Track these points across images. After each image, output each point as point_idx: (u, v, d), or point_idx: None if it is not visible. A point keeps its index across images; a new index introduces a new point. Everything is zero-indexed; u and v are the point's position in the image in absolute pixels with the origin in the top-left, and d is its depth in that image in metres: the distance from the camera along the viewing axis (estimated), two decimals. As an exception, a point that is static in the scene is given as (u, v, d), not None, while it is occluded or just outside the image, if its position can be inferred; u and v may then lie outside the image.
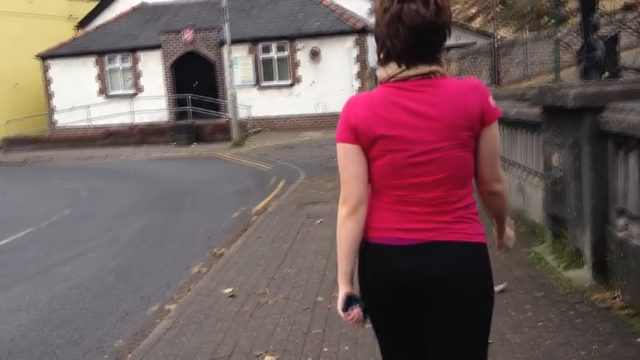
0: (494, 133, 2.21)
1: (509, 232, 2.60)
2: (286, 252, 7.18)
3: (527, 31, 31.59)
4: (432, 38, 2.14)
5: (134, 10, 28.95)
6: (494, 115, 2.19)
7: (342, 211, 2.23)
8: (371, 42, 25.15)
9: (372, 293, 2.28)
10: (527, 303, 4.94)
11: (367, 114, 2.17)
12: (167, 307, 5.82)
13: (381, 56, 2.21)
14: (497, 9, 30.65)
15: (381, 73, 2.21)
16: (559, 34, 14.02)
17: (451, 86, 2.18)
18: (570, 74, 24.29)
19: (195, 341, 4.66)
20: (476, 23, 35.96)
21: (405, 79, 2.16)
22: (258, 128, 24.82)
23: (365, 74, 24.36)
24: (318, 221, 8.64)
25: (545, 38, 26.74)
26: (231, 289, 5.85)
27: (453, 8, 37.55)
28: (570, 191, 5.47)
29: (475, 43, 30.16)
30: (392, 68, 2.18)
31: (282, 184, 13.20)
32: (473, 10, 39.10)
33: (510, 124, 8.03)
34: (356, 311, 2.28)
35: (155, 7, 28.64)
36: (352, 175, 2.21)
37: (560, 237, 5.84)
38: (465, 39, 30.85)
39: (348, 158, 2.21)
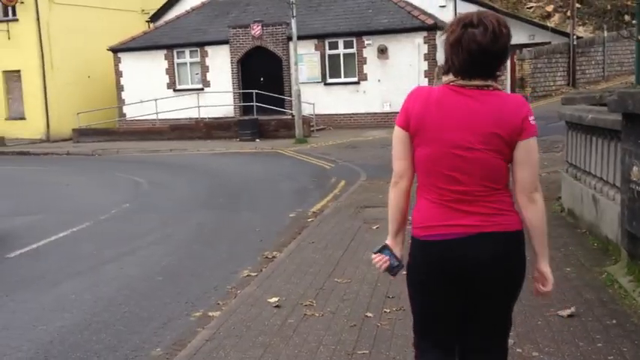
0: (530, 146, 2.51)
1: (547, 271, 2.74)
2: (338, 259, 6.86)
3: (607, 31, 30.27)
4: (487, 61, 2.50)
5: (204, 4, 29.18)
6: (530, 132, 2.50)
7: (392, 180, 2.67)
8: (441, 38, 24.49)
9: (419, 277, 2.65)
10: (597, 332, 4.47)
11: (422, 107, 2.54)
12: (211, 313, 5.58)
13: (445, 68, 2.60)
14: (576, 6, 29.44)
15: (444, 78, 2.60)
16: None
17: (499, 99, 2.51)
18: (652, 77, 22.82)
19: (233, 357, 4.39)
20: (552, 21, 34.68)
21: (462, 86, 2.53)
22: (322, 126, 24.57)
23: (434, 72, 23.75)
24: (375, 227, 8.28)
25: (626, 38, 25.48)
26: (277, 299, 5.57)
27: (529, 5, 36.34)
28: (651, 209, 4.94)
29: (550, 42, 29.06)
30: (451, 77, 2.56)
31: (342, 184, 12.88)
32: (549, 8, 37.76)
33: (586, 129, 7.47)
34: (381, 258, 2.71)
35: (225, 2, 28.77)
36: (398, 154, 2.63)
37: (637, 258, 5.31)
38: (540, 37, 29.73)
39: (398, 140, 2.62)
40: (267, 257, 7.50)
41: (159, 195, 12.98)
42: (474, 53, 2.47)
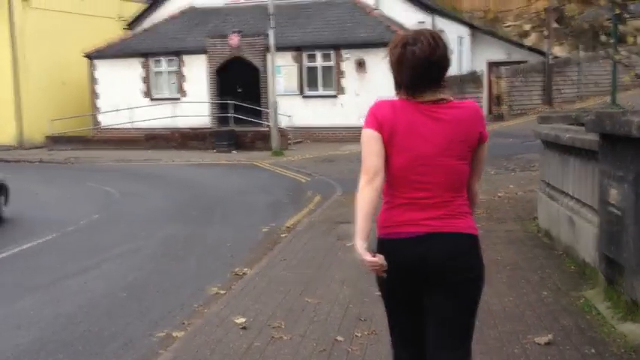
0: (486, 147, 2.82)
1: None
2: (310, 278, 6.66)
3: (583, 50, 30.58)
4: (431, 73, 2.69)
5: (182, 13, 28.86)
6: (486, 136, 2.79)
7: (363, 179, 2.70)
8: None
9: (391, 278, 2.71)
10: (574, 362, 4.33)
11: (392, 115, 2.71)
12: (175, 334, 5.35)
13: (399, 89, 2.77)
14: (553, 26, 29.70)
15: (397, 97, 2.79)
16: (619, 54, 13.22)
17: (456, 110, 2.73)
18: (628, 97, 23.20)
19: (195, 382, 4.18)
20: (529, 40, 34.98)
21: (424, 102, 2.71)
22: (300, 139, 24.38)
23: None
24: (349, 244, 8.07)
25: (602, 58, 25.76)
26: (244, 320, 5.35)
27: (507, 24, 36.66)
28: (629, 234, 4.82)
29: (527, 61, 29.27)
30: (403, 95, 2.75)
31: (317, 199, 12.70)
32: (527, 27, 38.15)
33: (562, 149, 7.38)
34: (375, 261, 2.63)
35: (204, 11, 28.49)
36: (371, 152, 2.70)
37: (615, 283, 5.18)
38: (517, 56, 29.96)
39: (371, 140, 2.70)
40: (237, 274, 7.27)
41: (130, 206, 12.69)
42: (417, 68, 2.68)
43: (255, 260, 7.80)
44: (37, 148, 26.29)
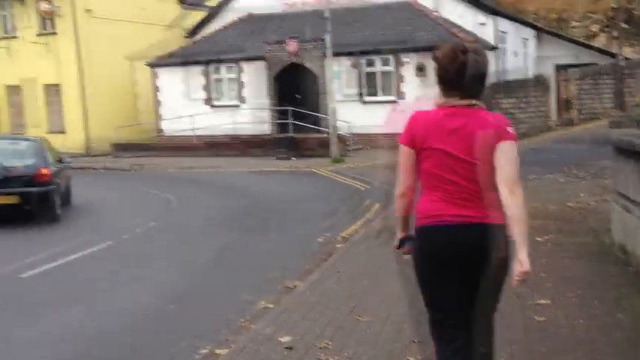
0: (507, 147, 3.02)
1: (523, 257, 2.99)
2: (364, 293, 6.33)
3: (657, 51, 29.24)
4: (482, 77, 3.10)
5: (241, 20, 28.98)
6: (507, 137, 3.04)
7: (397, 191, 3.22)
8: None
9: (427, 264, 3.17)
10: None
11: (424, 127, 3.10)
12: (218, 351, 5.09)
13: (442, 90, 3.13)
14: (622, 26, 28.44)
15: (439, 100, 3.14)
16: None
17: (484, 116, 3.08)
18: None
19: (234, 408, 3.91)
20: (597, 41, 33.66)
21: (455, 106, 3.08)
22: (360, 145, 24.05)
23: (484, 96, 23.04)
24: (407, 257, 7.70)
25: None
26: (290, 338, 5.06)
27: (573, 25, 35.40)
28: None
29: (596, 63, 28.13)
30: (449, 99, 3.11)
31: (376, 207, 12.33)
32: (594, 28, 36.64)
33: (638, 156, 6.81)
34: (407, 248, 3.34)
35: (261, 18, 28.52)
36: (405, 170, 3.17)
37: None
38: (585, 58, 28.82)
39: (405, 157, 3.15)
40: (287, 287, 6.99)
41: (187, 214, 12.64)
42: (474, 74, 3.07)
43: (308, 272, 7.51)
44: (102, 155, 26.81)
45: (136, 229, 10.83)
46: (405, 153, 3.15)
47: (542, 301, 5.78)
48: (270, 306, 6.24)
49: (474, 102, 3.09)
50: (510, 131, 3.08)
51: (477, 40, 23.35)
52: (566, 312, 5.46)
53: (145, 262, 8.52)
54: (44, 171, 11.62)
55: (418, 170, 3.15)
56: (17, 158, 11.90)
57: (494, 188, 3.03)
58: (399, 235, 3.35)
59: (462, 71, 3.05)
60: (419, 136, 3.10)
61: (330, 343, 4.96)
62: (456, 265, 3.10)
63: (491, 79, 24.80)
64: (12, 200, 11.21)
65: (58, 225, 11.70)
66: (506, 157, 3.04)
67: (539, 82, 26.02)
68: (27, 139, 14.21)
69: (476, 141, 3.04)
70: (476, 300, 3.15)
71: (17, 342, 5.56)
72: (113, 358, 5.12)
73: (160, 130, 28.23)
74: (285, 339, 5.05)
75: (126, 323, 5.99)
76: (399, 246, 3.37)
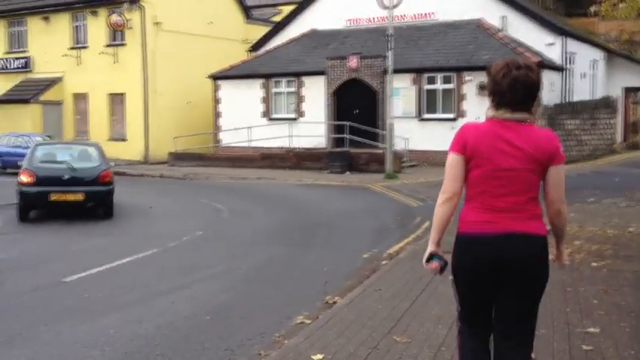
0: (560, 171, 3.20)
1: (565, 252, 3.52)
2: (403, 313, 6.11)
3: None
4: (534, 92, 3.20)
5: (304, 36, 29.19)
6: (560, 160, 3.20)
7: (442, 198, 3.26)
8: (547, 77, 23.24)
9: (463, 270, 3.27)
10: None
11: (475, 138, 3.20)
12: (248, 366, 4.98)
13: (494, 103, 3.24)
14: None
15: (491, 113, 3.25)
16: None
17: (535, 132, 3.21)
18: None
19: None
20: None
21: (507, 120, 3.19)
22: (415, 162, 23.75)
23: (537, 112, 22.48)
24: (451, 277, 7.43)
25: None
26: (322, 356, 4.90)
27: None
28: None
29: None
30: (500, 112, 3.23)
31: (426, 225, 12.04)
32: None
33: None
34: (435, 264, 3.32)
35: (324, 34, 28.67)
36: (454, 176, 3.23)
37: None
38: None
39: (455, 164, 3.24)
40: (327, 302, 6.84)
41: (235, 224, 12.62)
42: (529, 87, 3.18)
43: (349, 289, 7.32)
44: (160, 163, 27.32)
45: (183, 237, 10.87)
46: (454, 160, 3.25)
47: (592, 330, 5.46)
48: (307, 322, 6.09)
49: (525, 116, 3.20)
50: (562, 153, 3.23)
51: (542, 60, 22.81)
52: (616, 342, 5.13)
53: (187, 271, 8.49)
54: (107, 172, 13.13)
55: (464, 179, 3.26)
56: (83, 161, 13.54)
57: (539, 202, 3.24)
58: (432, 248, 3.33)
59: (513, 86, 3.16)
60: (470, 146, 3.20)
61: (362, 364, 4.77)
62: (496, 274, 3.19)
63: (556, 99, 24.25)
64: (79, 197, 12.64)
65: (107, 230, 11.89)
66: (558, 179, 3.22)
67: (606, 104, 25.19)
68: (88, 144, 15.77)
69: (529, 153, 3.15)
70: (516, 310, 3.26)
71: (48, 347, 5.56)
72: (140, 367, 5.05)
73: (218, 141, 28.58)
74: (317, 357, 4.90)
75: (160, 332, 5.93)
76: (428, 260, 3.34)
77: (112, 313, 6.53)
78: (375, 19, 26.99)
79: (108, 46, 29.50)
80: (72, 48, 30.50)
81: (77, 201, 12.68)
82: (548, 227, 3.31)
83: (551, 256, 3.35)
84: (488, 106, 3.29)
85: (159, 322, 6.22)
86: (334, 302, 6.77)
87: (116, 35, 29.46)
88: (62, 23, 30.76)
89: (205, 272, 8.44)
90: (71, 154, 13.80)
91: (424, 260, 3.35)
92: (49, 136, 24.03)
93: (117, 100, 29.71)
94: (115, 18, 28.48)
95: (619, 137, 26.72)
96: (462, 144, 3.23)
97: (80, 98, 30.76)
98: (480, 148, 3.19)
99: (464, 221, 3.25)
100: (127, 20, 28.50)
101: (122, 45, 29.14)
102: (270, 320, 6.32)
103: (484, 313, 3.35)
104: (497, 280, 3.20)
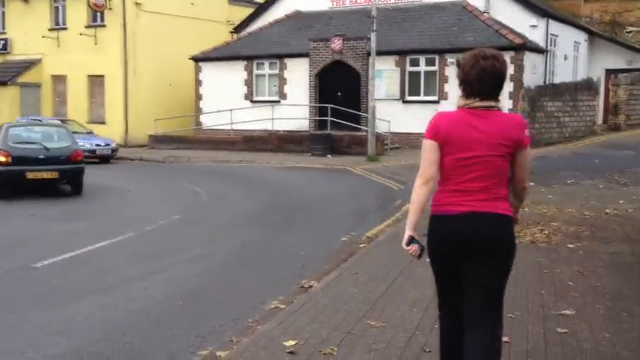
0: (525, 153, 3.41)
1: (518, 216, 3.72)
2: (379, 296, 6.04)
3: None
4: (500, 81, 3.40)
5: (288, 17, 28.87)
6: (526, 143, 3.40)
7: (419, 181, 3.44)
8: (529, 59, 23.19)
9: (436, 247, 3.45)
10: None
11: (446, 125, 3.39)
12: (219, 353, 4.86)
13: (464, 92, 3.43)
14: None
15: (461, 102, 3.44)
16: None
17: (503, 118, 3.41)
18: None
19: (220, 415, 3.67)
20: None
21: (476, 108, 3.39)
22: (398, 145, 23.68)
23: (519, 94, 22.44)
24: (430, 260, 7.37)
25: None
26: (294, 342, 4.81)
27: (628, 30, 34.24)
28: None
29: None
30: (470, 100, 3.41)
31: (406, 207, 11.99)
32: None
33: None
34: (414, 247, 3.44)
35: (308, 15, 28.37)
36: (430, 160, 3.40)
37: None
38: (638, 64, 27.78)
39: (430, 149, 3.40)
40: (303, 287, 6.75)
41: (213, 208, 12.49)
42: (495, 76, 3.37)
43: (326, 272, 7.24)
44: (140, 146, 27.04)
45: (159, 221, 10.73)
46: (429, 146, 3.40)
47: (567, 312, 5.42)
48: (282, 306, 6.01)
49: (492, 104, 3.38)
50: (527, 136, 3.40)
51: (524, 42, 22.73)
52: (592, 324, 5.10)
53: (162, 255, 8.36)
54: (78, 152, 14.12)
55: (439, 164, 3.40)
56: (54, 141, 14.22)
57: (506, 184, 3.42)
58: (409, 232, 3.46)
59: (481, 76, 3.34)
60: (442, 134, 3.37)
61: (335, 349, 4.70)
62: (465, 252, 3.36)
63: (538, 81, 24.20)
64: (54, 175, 13.52)
65: (83, 214, 11.74)
66: (524, 161, 3.42)
67: (588, 86, 25.18)
68: (57, 125, 16.64)
69: (497, 139, 3.33)
70: (484, 285, 3.40)
71: (14, 334, 5.43)
72: (107, 355, 4.92)
73: (200, 124, 28.33)
74: (290, 343, 4.81)
75: (130, 318, 5.82)
76: (408, 244, 3.45)
77: (82, 299, 6.39)
78: (360, 0, 26.74)
79: (88, 27, 29.04)
80: (51, 29, 30.03)
81: (52, 179, 13.53)
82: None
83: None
84: (460, 95, 3.46)
85: (130, 308, 6.10)
86: (310, 286, 6.68)
87: (96, 16, 29.00)
88: (41, 5, 30.24)
89: (181, 256, 8.32)
90: (42, 134, 14.39)
91: (403, 244, 3.47)
92: (63, 121, 23.74)
93: (96, 82, 29.28)
94: (94, -1, 28.03)
95: (600, 119, 26.78)
96: (434, 131, 3.39)
97: (59, 80, 30.33)
98: (451, 136, 3.35)
99: (436, 203, 3.43)
100: (108, 1, 28.04)
101: (102, 26, 28.69)
102: (244, 305, 6.23)
103: (458, 291, 3.47)
104: (467, 258, 3.37)
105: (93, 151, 21.50)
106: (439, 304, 3.68)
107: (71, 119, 25.84)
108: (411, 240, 3.43)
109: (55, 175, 13.45)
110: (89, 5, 28.17)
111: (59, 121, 20.87)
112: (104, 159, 22.08)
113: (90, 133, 23.83)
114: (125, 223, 10.55)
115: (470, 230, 3.32)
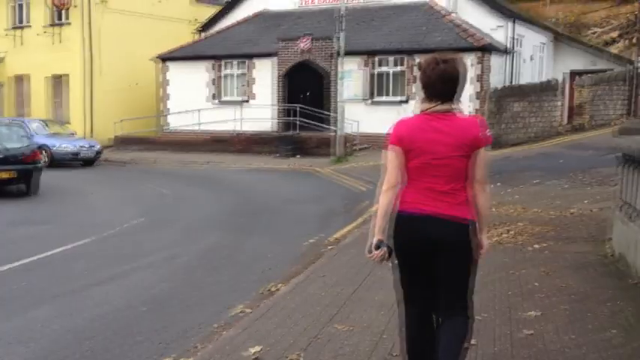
0: (482, 152, 3.48)
1: (484, 240, 3.67)
2: (346, 299, 5.98)
3: (674, 59, 28.56)
4: (454, 86, 3.49)
5: (255, 16, 28.64)
6: (483, 142, 3.48)
7: (384, 186, 3.54)
8: (494, 60, 23.39)
9: (400, 244, 3.53)
10: None
11: (409, 131, 3.51)
12: (182, 360, 4.77)
13: (425, 95, 3.52)
14: (641, 33, 27.86)
15: (422, 105, 3.54)
16: None
17: (461, 120, 3.53)
18: None
19: None
20: (616, 48, 33.03)
21: (436, 112, 3.49)
22: (365, 145, 23.69)
23: (484, 95, 22.62)
24: (397, 261, 7.32)
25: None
26: (259, 348, 4.72)
27: (592, 30, 34.82)
28: None
29: (612, 69, 27.54)
30: (430, 104, 3.49)
31: (373, 208, 11.96)
32: (614, 34, 36.05)
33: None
34: (382, 251, 3.50)
35: (276, 15, 28.18)
36: (394, 166, 3.52)
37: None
38: (602, 64, 28.23)
39: (394, 155, 3.52)
40: (269, 290, 6.66)
41: (179, 210, 12.32)
42: (451, 79, 3.47)
43: (293, 275, 7.17)
44: (105, 147, 26.55)
45: (123, 224, 10.53)
46: (393, 152, 3.52)
47: (532, 313, 5.42)
48: (248, 310, 5.92)
49: (451, 107, 3.49)
50: (488, 135, 3.49)
51: (489, 43, 22.93)
52: (557, 326, 5.09)
53: (125, 259, 8.18)
54: (36, 152, 14.39)
55: (404, 168, 3.51)
56: (13, 141, 14.23)
57: (469, 185, 3.51)
58: (378, 236, 3.51)
59: (440, 79, 3.44)
60: (405, 139, 3.48)
61: (301, 354, 4.62)
62: (426, 250, 3.49)
63: (503, 82, 24.42)
64: (12, 175, 13.55)
65: (44, 218, 11.46)
66: (482, 160, 3.48)
67: (552, 86, 25.48)
68: (15, 124, 16.82)
69: (456, 141, 3.43)
70: (448, 285, 3.56)
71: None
72: (67, 362, 4.79)
73: (166, 124, 27.99)
74: (254, 349, 4.71)
75: (92, 324, 5.66)
76: (375, 249, 3.49)
77: (41, 306, 6.21)
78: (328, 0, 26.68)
79: (51, 25, 28.50)
80: (13, 28, 29.38)
81: (11, 178, 13.58)
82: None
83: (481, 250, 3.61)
84: (421, 97, 3.57)
85: (92, 314, 5.95)
86: (277, 290, 6.60)
87: (60, 14, 28.46)
88: (1, 2, 29.58)
89: (144, 260, 8.16)
90: (2, 134, 14.42)
91: (370, 248, 3.53)
92: (44, 121, 23.31)
93: (59, 81, 28.75)
94: (58, -5, 27.51)
95: (564, 119, 27.12)
96: (398, 138, 3.50)
97: (21, 80, 29.71)
98: (414, 140, 3.47)
99: (402, 202, 3.53)
100: (71, -2, 27.56)
101: (66, 24, 28.18)
102: (209, 310, 6.12)
103: (419, 288, 3.61)
104: (429, 256, 3.50)
105: (76, 154, 20.83)
106: (403, 302, 3.74)
107: (50, 119, 25.26)
108: (380, 243, 3.49)
109: (13, 174, 13.44)
110: (52, 3, 27.65)
111: (19, 121, 20.55)
112: (88, 162, 21.25)
113: (72, 134, 23.14)
114: (88, 226, 10.33)
115: (430, 232, 3.45)
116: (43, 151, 19.53)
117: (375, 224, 3.55)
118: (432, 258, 3.51)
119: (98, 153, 21.87)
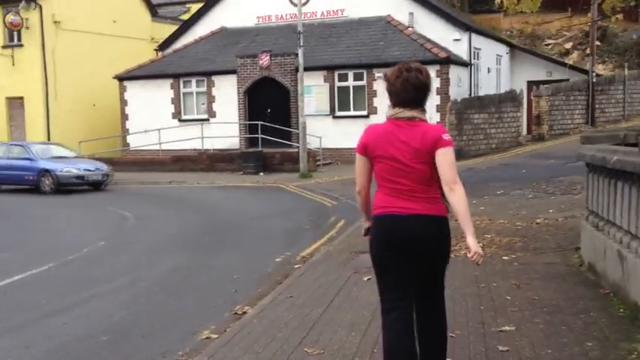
0: (444, 152, 3.60)
1: (471, 242, 3.57)
2: (315, 321, 5.80)
3: (627, 69, 29.18)
4: (422, 93, 3.72)
5: (213, 34, 28.50)
6: (444, 144, 3.61)
7: (357, 189, 3.93)
8: (454, 73, 23.57)
9: (378, 246, 3.76)
10: None
11: (374, 139, 3.74)
12: (145, 392, 4.52)
13: (391, 102, 3.76)
14: (596, 44, 28.44)
15: (389, 112, 3.77)
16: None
17: (424, 128, 3.67)
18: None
19: None
20: (570, 59, 33.71)
21: (400, 119, 3.71)
22: (329, 160, 23.61)
23: (446, 107, 22.75)
24: (366, 278, 7.18)
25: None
26: (226, 377, 4.51)
27: (547, 42, 35.46)
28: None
29: (568, 79, 28.03)
30: (395, 110, 3.73)
31: (340, 224, 11.87)
32: (568, 46, 36.84)
33: (610, 173, 6.40)
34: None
35: (234, 32, 28.09)
36: (360, 172, 3.85)
37: (679, 339, 4.22)
38: (558, 75, 28.74)
39: (360, 163, 3.84)
40: (236, 313, 6.45)
41: (142, 232, 12.01)
42: (418, 87, 3.65)
43: (260, 297, 6.96)
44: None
45: (83, 249, 10.18)
46: (359, 160, 3.80)
47: (507, 328, 5.31)
48: (214, 336, 5.70)
49: (415, 114, 3.66)
50: (447, 138, 3.62)
51: (449, 55, 23.11)
52: (532, 340, 4.99)
53: (85, 286, 7.86)
54: None
55: (373, 173, 3.76)
56: None
57: (436, 186, 3.65)
58: (367, 224, 3.96)
59: (404, 86, 3.62)
60: (370, 147, 3.71)
61: (270, 381, 4.42)
62: (401, 248, 3.65)
63: (464, 94, 24.64)
64: None
65: (2, 244, 11.02)
66: (444, 161, 3.58)
67: (511, 97, 25.80)
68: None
69: (417, 148, 3.60)
70: (424, 280, 3.79)
71: None
72: (24, 400, 4.51)
73: (127, 145, 27.53)
74: (221, 377, 4.50)
75: (49, 358, 5.37)
76: (366, 233, 3.95)
77: (-4, 339, 5.90)
78: (286, 16, 26.64)
79: (4, 47, 27.93)
80: (-36, 50, 28.71)
81: None
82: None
83: (469, 254, 3.60)
84: (388, 104, 3.76)
85: (48, 347, 5.65)
86: (244, 312, 6.39)
87: (12, 36, 27.89)
88: (-49, 23, 28.89)
89: (104, 287, 7.85)
90: None
91: (363, 234, 4.01)
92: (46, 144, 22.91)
93: (15, 104, 28.13)
94: (11, 17, 27.05)
95: (524, 130, 27.46)
96: (363, 146, 3.75)
97: (-25, 104, 28.98)
98: (378, 148, 3.68)
99: (375, 206, 3.77)
100: (24, 19, 27.04)
101: (19, 46, 27.68)
102: (173, 337, 5.88)
103: (400, 290, 3.73)
104: (406, 255, 3.66)
105: (81, 177, 19.48)
106: (382, 307, 3.83)
107: (57, 142, 24.41)
108: (368, 230, 3.91)
109: None
110: (5, 24, 27.10)
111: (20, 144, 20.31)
112: (95, 185, 19.91)
113: (78, 157, 22.07)
114: (45, 252, 9.97)
115: (404, 231, 3.63)
116: (50, 177, 19.07)
117: (363, 215, 4.04)
118: (411, 257, 3.66)
119: (106, 175, 20.39)
